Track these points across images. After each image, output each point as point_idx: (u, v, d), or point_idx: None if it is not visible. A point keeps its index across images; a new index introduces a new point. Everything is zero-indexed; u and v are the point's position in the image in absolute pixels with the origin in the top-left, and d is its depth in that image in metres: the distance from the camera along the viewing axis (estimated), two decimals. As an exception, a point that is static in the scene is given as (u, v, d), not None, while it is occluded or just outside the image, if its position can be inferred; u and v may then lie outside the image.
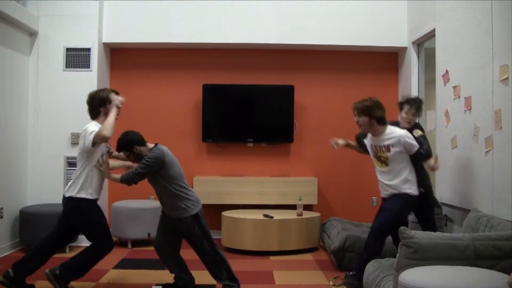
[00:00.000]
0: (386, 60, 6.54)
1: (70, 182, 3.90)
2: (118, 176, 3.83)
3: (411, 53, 6.02)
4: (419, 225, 4.42)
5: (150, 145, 3.90)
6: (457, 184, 4.48)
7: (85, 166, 3.81)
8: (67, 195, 3.86)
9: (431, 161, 4.05)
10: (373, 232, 4.02)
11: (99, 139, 3.71)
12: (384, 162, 3.98)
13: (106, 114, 3.84)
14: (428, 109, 5.76)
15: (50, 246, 3.93)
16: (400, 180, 3.93)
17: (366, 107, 3.95)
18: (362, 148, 4.39)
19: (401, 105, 4.43)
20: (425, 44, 5.83)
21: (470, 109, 4.21)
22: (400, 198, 3.94)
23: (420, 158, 4.01)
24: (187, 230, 3.86)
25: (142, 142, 3.86)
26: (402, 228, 2.90)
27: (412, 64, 6.00)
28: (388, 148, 3.94)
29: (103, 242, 3.92)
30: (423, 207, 4.22)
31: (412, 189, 3.95)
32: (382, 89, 6.27)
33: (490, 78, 3.86)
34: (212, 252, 3.88)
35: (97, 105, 3.89)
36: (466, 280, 2.50)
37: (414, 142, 3.93)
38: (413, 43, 5.98)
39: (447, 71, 4.73)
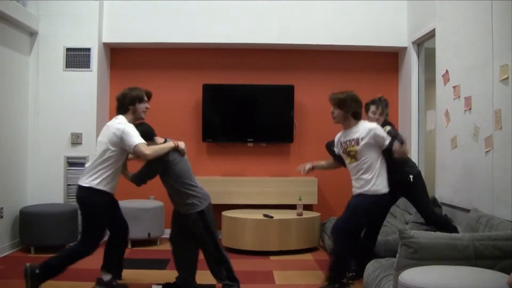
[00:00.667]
0: (386, 60, 6.54)
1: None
2: (129, 174, 3.88)
3: (411, 53, 6.02)
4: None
5: (160, 140, 3.92)
6: (457, 184, 4.47)
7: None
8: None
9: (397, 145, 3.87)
10: (334, 233, 3.97)
11: (138, 155, 3.72)
12: (353, 156, 3.93)
13: (134, 113, 3.91)
14: (428, 109, 5.77)
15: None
16: (371, 177, 3.86)
17: (341, 100, 3.93)
18: (331, 154, 4.33)
19: (367, 106, 4.36)
20: (425, 44, 5.83)
21: (470, 109, 4.21)
22: (366, 197, 3.87)
23: (392, 148, 3.83)
24: (192, 225, 3.87)
25: (154, 135, 3.94)
26: (402, 228, 2.91)
27: (412, 64, 6.00)
28: (357, 141, 3.89)
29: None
30: (415, 193, 4.21)
31: (380, 186, 3.87)
32: (382, 89, 6.26)
33: (490, 78, 3.86)
34: (215, 251, 3.88)
35: (128, 103, 3.90)
36: (466, 280, 2.50)
37: (385, 135, 3.87)
38: (413, 43, 5.98)
39: (447, 71, 4.73)
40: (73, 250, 3.94)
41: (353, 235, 3.99)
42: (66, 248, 3.99)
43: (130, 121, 3.88)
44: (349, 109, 3.92)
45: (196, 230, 3.87)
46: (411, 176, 4.15)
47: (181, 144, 3.89)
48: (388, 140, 3.85)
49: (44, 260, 3.75)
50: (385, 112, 4.34)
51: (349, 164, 4.02)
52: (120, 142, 3.73)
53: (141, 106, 3.95)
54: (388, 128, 4.12)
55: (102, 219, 3.91)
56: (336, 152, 4.23)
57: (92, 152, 5.79)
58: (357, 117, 3.97)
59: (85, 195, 3.81)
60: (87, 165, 3.93)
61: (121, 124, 3.79)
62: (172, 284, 4.09)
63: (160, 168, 3.79)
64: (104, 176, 3.78)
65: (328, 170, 4.56)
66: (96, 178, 3.78)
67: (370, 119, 4.27)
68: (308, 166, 4.38)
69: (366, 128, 3.88)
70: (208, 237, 3.86)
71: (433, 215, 4.23)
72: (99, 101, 5.96)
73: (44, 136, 5.80)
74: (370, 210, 3.92)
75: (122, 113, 3.92)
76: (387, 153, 3.90)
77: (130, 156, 4.00)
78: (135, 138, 3.71)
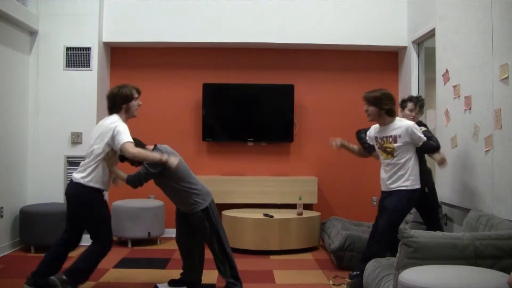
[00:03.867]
0: (386, 60, 6.54)
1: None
2: (125, 175, 3.82)
3: (411, 52, 6.02)
4: (420, 225, 4.43)
5: (150, 147, 3.89)
6: (457, 184, 4.48)
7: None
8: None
9: (439, 155, 4.04)
10: (376, 236, 3.99)
11: (124, 152, 3.69)
12: (390, 153, 3.98)
13: (127, 111, 3.88)
14: (428, 108, 5.77)
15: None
16: (404, 172, 3.93)
17: (375, 98, 3.98)
18: (360, 141, 4.37)
19: (404, 103, 4.48)
20: (425, 44, 5.83)
21: (470, 108, 4.21)
22: (401, 196, 3.92)
23: (430, 149, 4.02)
24: (198, 224, 3.88)
25: (142, 147, 3.85)
26: (402, 227, 2.90)
27: (412, 64, 6.00)
28: (395, 138, 3.95)
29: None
30: (428, 206, 4.25)
31: (415, 181, 3.95)
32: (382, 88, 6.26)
33: (490, 77, 3.86)
34: (219, 248, 3.89)
35: (120, 102, 3.88)
36: (466, 280, 2.50)
37: (421, 135, 3.96)
38: (413, 42, 5.98)
39: (447, 70, 4.73)
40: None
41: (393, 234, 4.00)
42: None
43: (124, 120, 3.87)
44: (384, 107, 3.96)
45: (202, 228, 3.88)
46: (426, 188, 4.19)
47: (172, 160, 3.66)
48: (423, 140, 3.95)
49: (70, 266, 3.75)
50: (421, 112, 4.41)
51: (384, 160, 4.05)
52: (111, 141, 3.70)
53: (134, 104, 3.92)
54: (423, 128, 4.18)
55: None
56: (368, 141, 4.25)
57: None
58: (392, 114, 4.01)
59: (80, 191, 3.77)
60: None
61: (114, 123, 3.75)
62: (177, 280, 4.10)
63: (157, 171, 3.75)
64: (94, 173, 3.75)
65: (356, 156, 4.50)
66: (87, 176, 3.74)
67: (406, 117, 4.33)
68: (339, 141, 4.35)
69: (404, 126, 3.94)
70: (213, 234, 3.87)
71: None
72: (99, 101, 5.95)
73: (44, 136, 5.80)
74: (408, 206, 4.00)
75: (115, 112, 3.90)
76: (420, 152, 4.01)
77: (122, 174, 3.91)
78: (125, 136, 3.69)
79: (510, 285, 2.36)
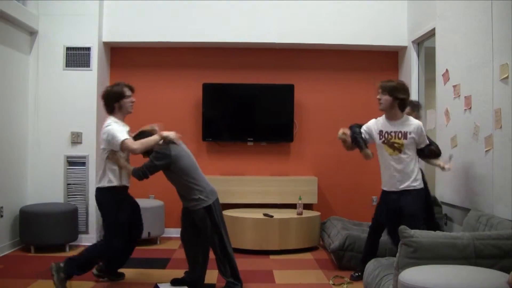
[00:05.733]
0: (386, 59, 6.54)
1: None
2: (131, 168, 3.90)
3: (411, 52, 6.02)
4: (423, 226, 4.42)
5: (161, 142, 3.93)
6: (457, 183, 4.48)
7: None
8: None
9: (439, 162, 4.06)
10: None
11: (126, 150, 3.84)
12: (398, 149, 3.93)
13: (121, 109, 3.96)
14: (428, 108, 5.77)
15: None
16: (410, 170, 3.92)
17: (391, 86, 3.94)
18: (355, 140, 4.17)
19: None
20: (425, 43, 5.83)
21: (470, 108, 4.21)
22: (416, 198, 3.90)
23: (432, 154, 4.03)
24: (200, 221, 3.89)
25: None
26: (402, 227, 2.90)
27: (412, 63, 6.00)
28: (405, 135, 3.92)
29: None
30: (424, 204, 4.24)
31: (419, 181, 3.96)
32: (382, 88, 6.26)
33: (490, 77, 3.86)
34: (220, 248, 3.90)
35: (112, 100, 3.92)
36: (466, 279, 2.50)
37: (426, 137, 3.99)
38: (413, 42, 5.97)
39: (447, 70, 4.73)
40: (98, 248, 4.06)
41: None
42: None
43: (120, 118, 3.94)
44: (398, 96, 3.91)
45: (203, 226, 3.88)
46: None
47: (170, 134, 3.89)
48: (426, 142, 3.97)
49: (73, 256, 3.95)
50: (418, 116, 4.42)
51: (389, 155, 3.98)
52: (108, 143, 3.85)
53: (126, 102, 4.00)
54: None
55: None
56: (362, 134, 4.11)
57: (92, 151, 5.83)
58: (403, 108, 3.98)
59: (97, 195, 4.05)
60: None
61: (105, 127, 3.88)
62: (180, 279, 4.11)
63: (163, 163, 3.80)
64: (105, 173, 3.94)
65: (346, 149, 4.34)
66: (100, 179, 3.98)
67: None
68: (344, 131, 4.19)
69: (416, 124, 3.95)
70: (215, 233, 3.88)
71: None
72: (99, 100, 5.87)
73: (44, 135, 5.80)
74: (422, 204, 3.97)
75: (109, 112, 3.98)
76: (420, 152, 4.01)
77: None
78: (120, 135, 3.77)
79: (510, 285, 2.36)
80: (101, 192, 3.98)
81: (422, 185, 3.98)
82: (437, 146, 4.11)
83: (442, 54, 4.87)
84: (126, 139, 3.78)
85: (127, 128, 3.99)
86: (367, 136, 4.12)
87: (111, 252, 4.04)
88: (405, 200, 3.90)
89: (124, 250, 4.19)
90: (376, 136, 4.06)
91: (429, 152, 4.02)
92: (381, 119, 4.08)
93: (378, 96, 4.01)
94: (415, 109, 4.51)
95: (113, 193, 3.95)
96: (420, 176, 3.98)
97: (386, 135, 4.00)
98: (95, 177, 4.11)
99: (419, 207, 3.94)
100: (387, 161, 4.00)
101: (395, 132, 3.96)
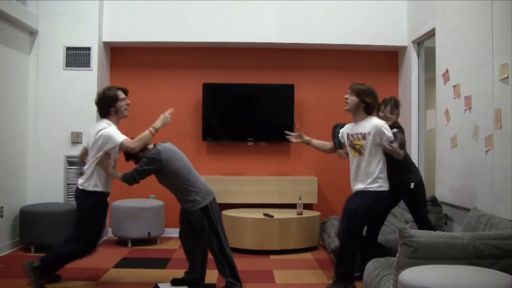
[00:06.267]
0: (386, 59, 6.54)
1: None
2: (120, 175, 3.87)
3: (411, 52, 6.02)
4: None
5: (150, 146, 3.93)
6: (457, 183, 4.48)
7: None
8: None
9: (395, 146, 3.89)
10: (342, 239, 3.96)
11: (125, 149, 3.84)
12: (358, 150, 3.94)
13: (117, 113, 3.94)
14: (428, 108, 5.77)
15: None
16: (371, 171, 3.86)
17: (360, 89, 3.97)
18: (333, 139, 4.34)
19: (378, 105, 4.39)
20: (425, 43, 5.82)
21: (470, 108, 4.21)
22: (363, 196, 3.87)
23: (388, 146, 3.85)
24: (196, 222, 3.90)
25: (144, 148, 3.92)
26: (402, 227, 2.90)
27: (412, 63, 6.00)
28: (364, 136, 3.90)
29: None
30: (412, 201, 4.22)
31: (381, 182, 3.87)
32: (382, 88, 6.19)
33: (490, 77, 3.86)
34: (218, 248, 3.90)
35: (106, 104, 3.92)
36: (466, 279, 2.50)
37: (390, 135, 3.84)
38: (413, 42, 5.97)
39: (447, 70, 4.73)
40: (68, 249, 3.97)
41: (359, 234, 3.98)
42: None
43: (115, 122, 3.94)
44: (365, 99, 3.93)
45: (201, 227, 3.88)
46: (412, 184, 4.15)
47: (159, 121, 3.93)
48: (390, 139, 3.83)
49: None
50: (395, 112, 4.33)
51: (353, 157, 4.01)
52: (104, 146, 3.82)
53: (121, 104, 3.99)
54: (395, 130, 4.09)
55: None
56: (339, 138, 4.24)
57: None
58: (368, 112, 3.98)
59: (78, 195, 3.98)
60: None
61: (101, 130, 3.85)
62: (180, 279, 4.11)
63: (153, 168, 3.80)
64: (92, 177, 3.91)
65: (318, 150, 4.53)
66: (86, 181, 3.92)
67: (381, 118, 4.29)
68: (294, 134, 4.44)
69: (373, 124, 3.90)
70: (212, 233, 3.88)
71: (428, 225, 4.20)
72: (99, 100, 5.95)
73: (44, 135, 5.80)
74: (372, 208, 3.91)
75: (104, 116, 3.96)
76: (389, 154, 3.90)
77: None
78: (117, 136, 3.79)
79: None
80: (83, 194, 3.93)
81: (383, 188, 3.87)
82: (401, 138, 3.96)
83: (442, 54, 4.87)
84: (124, 139, 3.79)
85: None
86: (342, 140, 4.21)
87: (78, 255, 3.98)
88: (353, 198, 3.96)
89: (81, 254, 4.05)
90: (345, 139, 4.13)
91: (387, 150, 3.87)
92: (351, 123, 4.12)
93: (345, 96, 4.06)
94: (389, 105, 4.33)
95: (95, 198, 3.93)
96: (383, 179, 3.87)
97: (350, 137, 4.04)
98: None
99: (359, 207, 3.86)
100: (351, 163, 4.05)
101: (356, 134, 3.97)
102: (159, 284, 4.13)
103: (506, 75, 3.62)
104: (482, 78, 3.99)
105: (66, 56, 5.88)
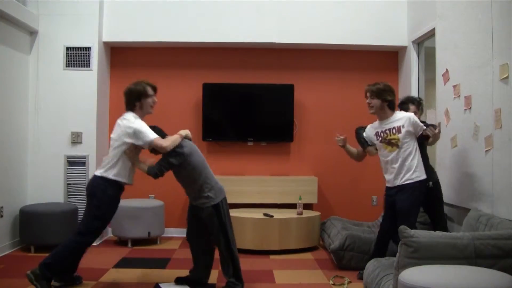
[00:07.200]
0: (386, 59, 6.54)
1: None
2: (146, 167, 3.86)
3: (411, 52, 6.02)
4: (422, 225, 4.42)
5: (173, 137, 3.94)
6: (457, 183, 4.48)
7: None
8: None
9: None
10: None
11: (157, 148, 3.80)
12: (396, 144, 4.02)
13: (141, 108, 3.93)
14: (428, 108, 5.77)
15: None
16: (410, 163, 3.97)
17: (379, 89, 4.06)
18: (357, 135, 4.40)
19: (404, 105, 4.48)
20: (425, 43, 5.83)
21: (470, 108, 4.21)
22: (411, 194, 3.94)
23: (424, 135, 4.05)
24: (207, 218, 3.90)
25: (162, 135, 3.94)
26: (402, 227, 2.90)
27: (412, 63, 6.00)
28: (399, 129, 4.01)
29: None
30: (432, 201, 4.28)
31: (421, 172, 4.00)
32: (382, 88, 6.26)
33: (490, 77, 3.86)
34: (225, 247, 3.90)
35: (133, 98, 3.92)
36: (466, 279, 2.50)
37: (422, 124, 4.03)
38: (413, 42, 5.98)
39: (447, 70, 4.73)
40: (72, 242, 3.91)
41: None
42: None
43: (140, 116, 3.92)
44: (387, 98, 4.05)
45: (211, 224, 3.89)
46: (430, 183, 4.23)
47: (185, 132, 3.98)
48: (423, 127, 4.01)
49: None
50: (421, 114, 4.52)
51: (389, 152, 4.06)
52: (133, 140, 3.79)
53: (148, 101, 3.97)
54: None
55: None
56: (367, 141, 4.30)
57: (92, 151, 5.83)
58: (392, 107, 4.10)
59: (95, 183, 3.90)
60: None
61: (130, 122, 3.82)
62: (184, 278, 4.12)
63: (177, 160, 3.82)
64: (115, 167, 3.87)
65: (353, 159, 4.51)
66: (107, 170, 3.87)
67: None
68: (344, 140, 4.37)
69: (406, 116, 4.04)
70: (221, 232, 3.88)
71: (444, 226, 4.25)
72: (99, 100, 5.96)
73: (44, 135, 5.80)
74: (419, 198, 4.00)
75: (130, 109, 3.94)
76: (420, 145, 4.07)
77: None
78: (150, 134, 3.78)
79: None
80: (101, 181, 3.86)
81: (423, 177, 4.00)
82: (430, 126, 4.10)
83: (442, 54, 4.87)
84: (156, 137, 3.78)
85: None
86: (369, 142, 4.28)
87: (84, 247, 3.92)
88: (400, 195, 3.98)
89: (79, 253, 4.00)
90: (374, 138, 4.20)
91: (421, 139, 4.07)
92: (376, 123, 4.22)
93: (367, 101, 4.12)
94: (420, 107, 4.55)
95: (113, 188, 3.89)
96: (419, 168, 4.01)
97: (382, 134, 4.11)
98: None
99: (413, 204, 3.96)
100: (387, 158, 4.09)
101: (389, 129, 4.07)
102: (161, 284, 4.13)
103: (506, 75, 3.63)
104: (482, 78, 3.99)
105: (66, 56, 5.87)
